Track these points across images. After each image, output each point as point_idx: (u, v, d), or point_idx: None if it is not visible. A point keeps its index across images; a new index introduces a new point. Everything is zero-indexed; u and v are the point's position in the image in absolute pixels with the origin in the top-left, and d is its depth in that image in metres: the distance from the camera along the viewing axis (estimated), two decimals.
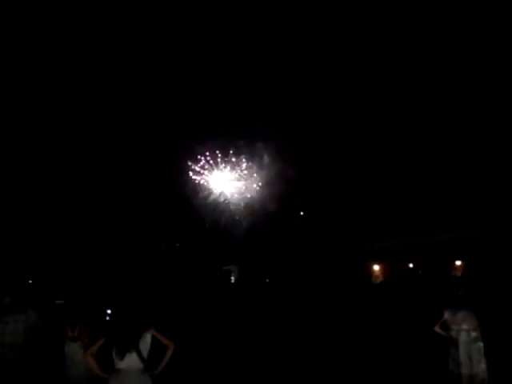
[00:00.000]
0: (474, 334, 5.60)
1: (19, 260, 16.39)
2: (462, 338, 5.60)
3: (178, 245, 21.10)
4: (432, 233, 17.06)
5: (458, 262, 16.30)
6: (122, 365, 4.13)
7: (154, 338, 4.32)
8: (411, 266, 17.01)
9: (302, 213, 20.30)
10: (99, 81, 17.15)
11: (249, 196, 18.44)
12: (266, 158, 17.78)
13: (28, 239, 17.73)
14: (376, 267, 18.19)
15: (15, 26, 15.41)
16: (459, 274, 15.33)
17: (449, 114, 17.17)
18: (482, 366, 5.54)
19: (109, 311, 9.06)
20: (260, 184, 18.36)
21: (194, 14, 16.83)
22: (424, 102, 17.36)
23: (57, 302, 10.04)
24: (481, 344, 5.61)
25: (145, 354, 4.21)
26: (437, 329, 5.82)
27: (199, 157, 17.87)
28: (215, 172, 18.20)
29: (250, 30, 16.81)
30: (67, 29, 16.18)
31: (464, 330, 5.60)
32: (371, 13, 16.34)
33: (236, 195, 18.58)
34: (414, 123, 17.61)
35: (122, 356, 4.12)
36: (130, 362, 4.13)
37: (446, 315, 5.75)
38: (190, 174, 17.83)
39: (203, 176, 18.12)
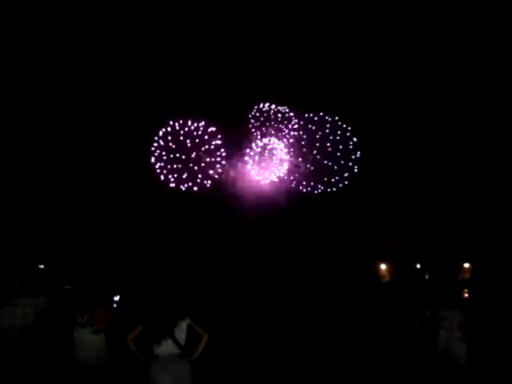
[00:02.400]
0: (456, 333, 5.64)
1: (30, 244, 16.59)
2: (442, 335, 5.67)
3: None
4: (440, 234, 16.96)
5: (467, 265, 16.18)
6: (159, 350, 4.54)
7: (190, 326, 4.64)
8: (418, 266, 16.95)
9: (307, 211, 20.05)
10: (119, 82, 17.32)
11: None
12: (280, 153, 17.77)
13: (39, 224, 17.90)
14: (383, 266, 18.15)
15: (11, 24, 15.47)
16: (467, 276, 15.23)
17: (460, 114, 17.00)
18: (462, 361, 5.62)
19: (116, 298, 9.14)
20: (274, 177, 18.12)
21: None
22: (433, 101, 17.21)
23: (65, 287, 10.16)
24: (465, 344, 5.67)
25: (181, 340, 4.56)
26: (416, 324, 6.02)
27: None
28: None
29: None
30: (62, 26, 16.20)
31: (445, 327, 5.66)
32: (369, 11, 16.21)
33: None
34: (426, 123, 17.47)
35: (158, 342, 4.52)
36: (167, 347, 4.52)
37: (428, 313, 5.89)
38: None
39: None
